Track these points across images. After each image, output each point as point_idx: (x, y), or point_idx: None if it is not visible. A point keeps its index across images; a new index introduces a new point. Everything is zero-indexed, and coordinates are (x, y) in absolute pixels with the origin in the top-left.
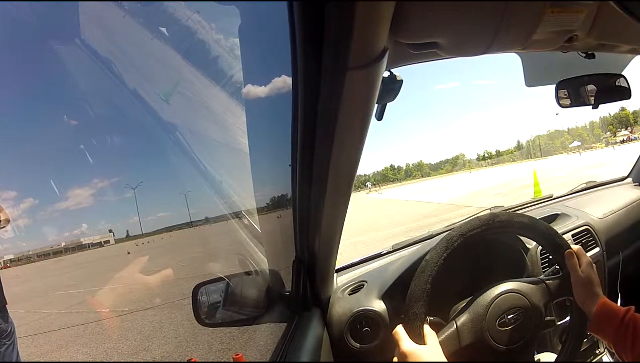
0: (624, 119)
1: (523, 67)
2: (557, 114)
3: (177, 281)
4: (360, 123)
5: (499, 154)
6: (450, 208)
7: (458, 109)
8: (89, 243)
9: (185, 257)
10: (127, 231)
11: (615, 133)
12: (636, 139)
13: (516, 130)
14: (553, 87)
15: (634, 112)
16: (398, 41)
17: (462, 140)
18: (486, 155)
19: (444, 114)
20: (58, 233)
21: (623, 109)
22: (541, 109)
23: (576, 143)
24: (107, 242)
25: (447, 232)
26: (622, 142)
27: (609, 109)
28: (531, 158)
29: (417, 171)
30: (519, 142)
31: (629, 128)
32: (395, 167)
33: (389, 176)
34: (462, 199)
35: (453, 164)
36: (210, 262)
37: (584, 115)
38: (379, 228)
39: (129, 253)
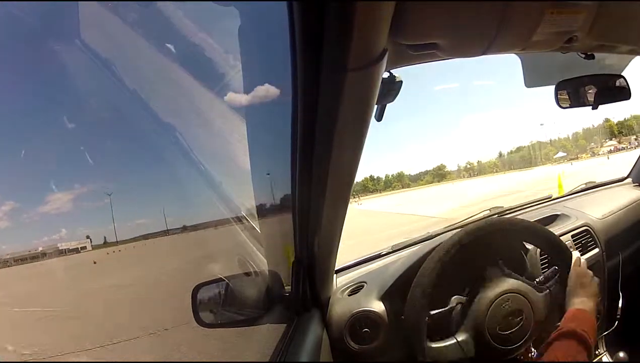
0: (609, 130)
1: (523, 68)
2: (541, 125)
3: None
4: (359, 124)
5: (480, 165)
6: (438, 221)
7: (440, 121)
8: (65, 249)
9: (146, 271)
10: (105, 237)
11: (602, 143)
12: (624, 149)
13: (498, 142)
14: (537, 94)
15: (619, 123)
16: (398, 42)
17: (443, 152)
18: (468, 166)
19: (425, 125)
20: (38, 237)
21: (607, 120)
22: (525, 120)
23: (561, 154)
24: (84, 248)
25: (441, 243)
26: (610, 152)
27: (593, 120)
28: (513, 169)
29: (397, 182)
30: (500, 153)
31: (614, 138)
32: (375, 177)
33: (369, 186)
34: (448, 213)
35: (434, 175)
36: (177, 278)
37: (567, 127)
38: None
39: (95, 262)
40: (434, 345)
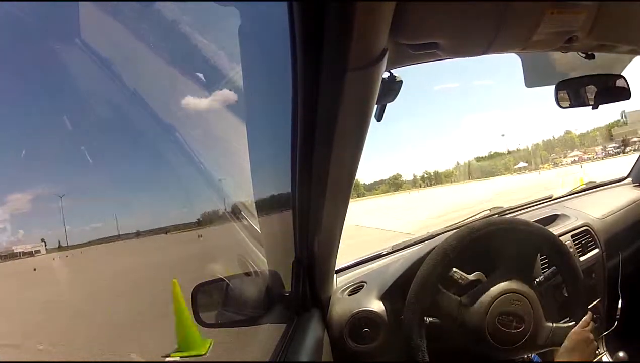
0: (569, 141)
1: (523, 68)
2: (503, 135)
3: None
4: (359, 123)
5: (437, 175)
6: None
7: (393, 132)
8: (20, 252)
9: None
10: (59, 241)
11: (565, 154)
12: (589, 160)
13: (456, 151)
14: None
15: (580, 135)
16: (398, 42)
17: (401, 162)
18: (425, 175)
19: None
20: None
21: (568, 132)
22: (486, 131)
23: (522, 164)
24: (38, 251)
25: (440, 243)
26: (574, 162)
27: (553, 132)
28: (471, 179)
29: (353, 191)
30: (457, 163)
31: (575, 150)
32: None
33: None
34: (412, 226)
35: (389, 184)
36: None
37: (528, 138)
38: None
39: (35, 269)
40: (442, 289)
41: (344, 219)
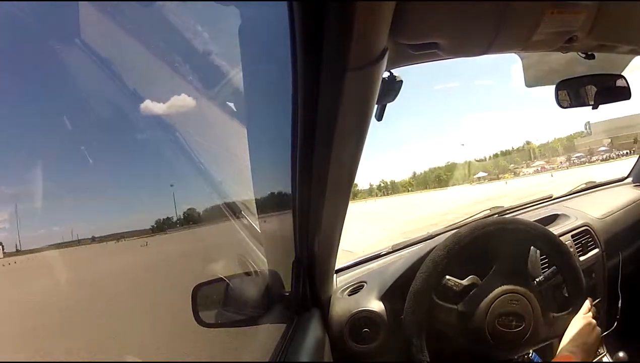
0: (529, 152)
1: (523, 68)
2: (462, 145)
3: None
4: (360, 123)
5: (393, 184)
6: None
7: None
8: None
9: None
10: (16, 245)
11: (528, 164)
12: (553, 169)
13: (414, 161)
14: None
15: (540, 146)
16: (398, 42)
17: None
18: (382, 184)
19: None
20: None
21: (528, 142)
22: (448, 142)
23: (482, 173)
24: None
25: (440, 243)
26: (537, 171)
27: (512, 143)
28: (428, 188)
29: None
30: (414, 172)
31: (536, 160)
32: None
33: None
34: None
35: None
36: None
37: (488, 149)
38: None
39: None
40: (437, 300)
41: (344, 219)
